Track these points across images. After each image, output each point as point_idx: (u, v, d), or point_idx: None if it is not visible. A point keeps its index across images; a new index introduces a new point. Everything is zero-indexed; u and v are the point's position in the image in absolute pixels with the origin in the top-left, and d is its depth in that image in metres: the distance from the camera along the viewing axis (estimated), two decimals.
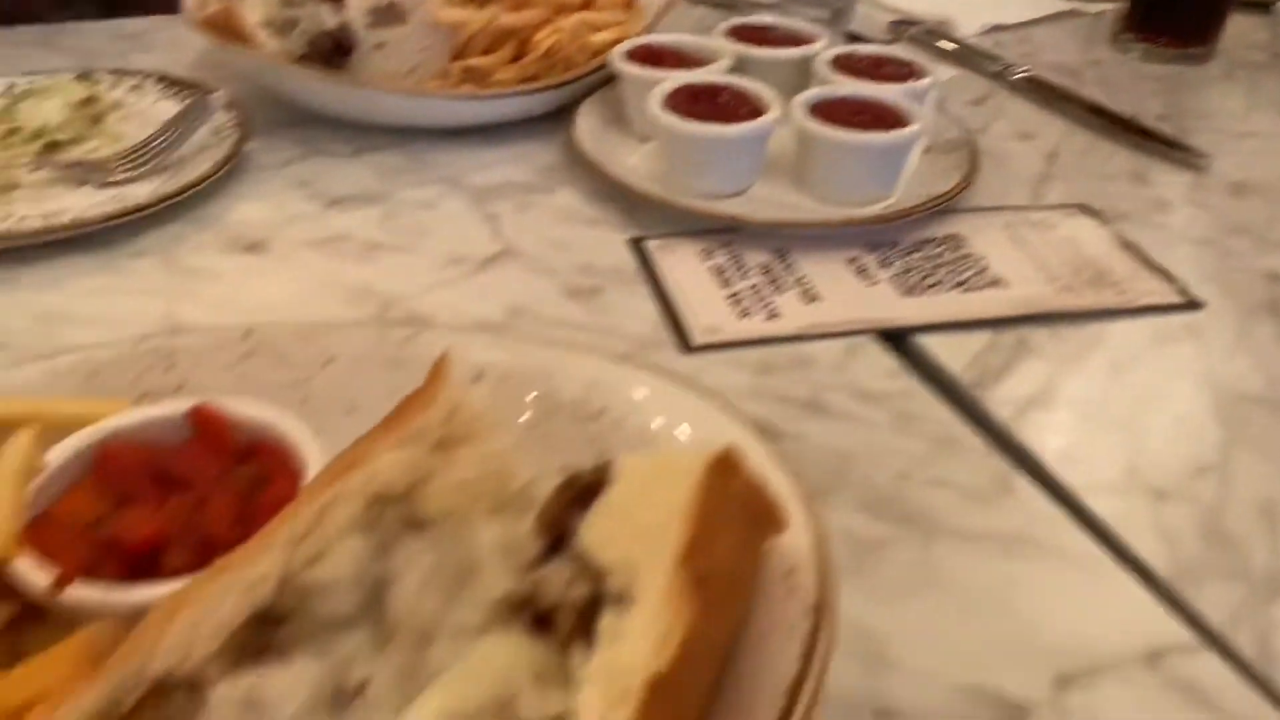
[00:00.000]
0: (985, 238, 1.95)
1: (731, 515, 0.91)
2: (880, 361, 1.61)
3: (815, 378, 1.56)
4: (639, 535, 0.89)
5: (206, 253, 1.81)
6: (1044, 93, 2.51)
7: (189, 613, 0.82)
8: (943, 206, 1.96)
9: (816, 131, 1.90)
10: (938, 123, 2.18)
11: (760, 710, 0.87)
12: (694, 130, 1.89)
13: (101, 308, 1.66)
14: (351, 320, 1.38)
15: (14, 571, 0.99)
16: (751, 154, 1.95)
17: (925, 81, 2.11)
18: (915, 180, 2.01)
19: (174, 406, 1.19)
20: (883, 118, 1.95)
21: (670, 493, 0.90)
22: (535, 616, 0.91)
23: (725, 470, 0.91)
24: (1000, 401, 1.54)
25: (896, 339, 1.67)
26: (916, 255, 1.88)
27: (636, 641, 0.82)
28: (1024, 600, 1.22)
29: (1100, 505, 1.36)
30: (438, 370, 1.08)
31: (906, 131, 1.92)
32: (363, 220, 1.93)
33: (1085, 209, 2.06)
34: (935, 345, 1.66)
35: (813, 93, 2.00)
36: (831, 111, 1.95)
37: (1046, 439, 1.48)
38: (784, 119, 1.95)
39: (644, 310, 1.70)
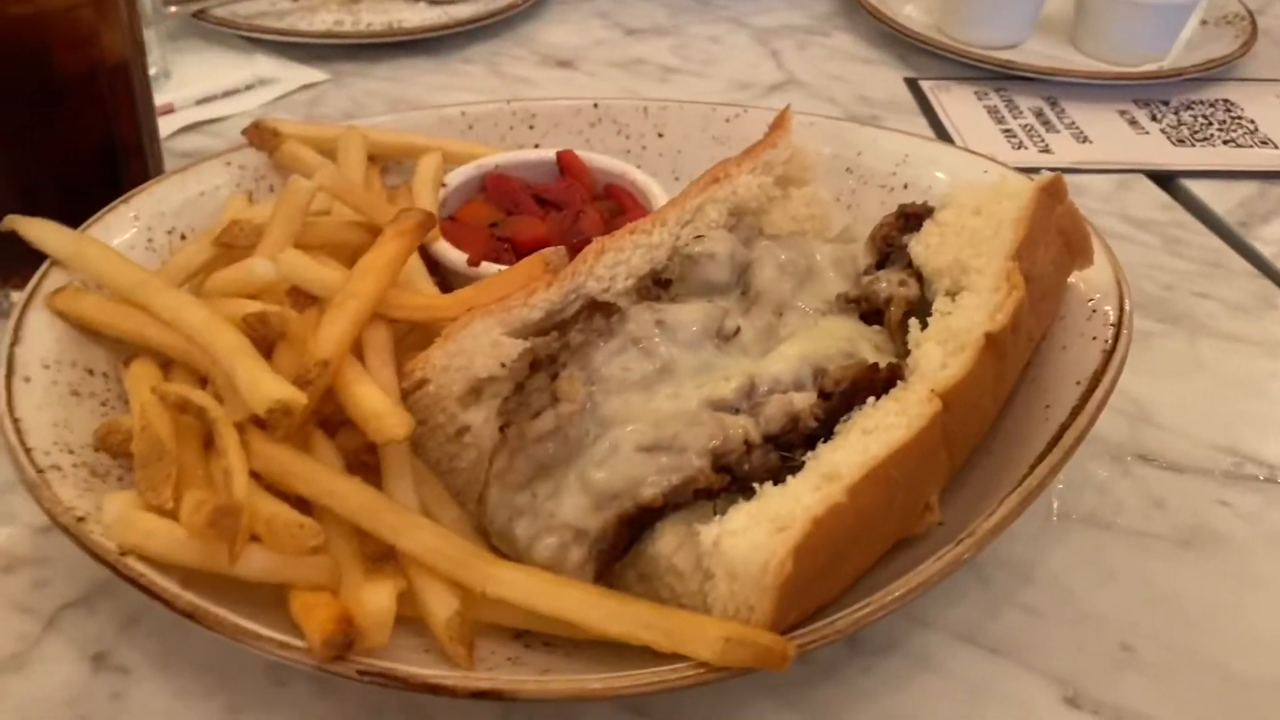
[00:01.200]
0: (1258, 104, 1.98)
1: (1052, 235, 1.06)
2: (1151, 195, 1.70)
3: (1087, 204, 1.65)
4: (970, 242, 1.05)
5: (525, 65, 2.04)
6: None
7: (610, 255, 1.04)
8: (1217, 72, 2.01)
9: None
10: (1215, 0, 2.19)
11: (1063, 393, 1.02)
12: None
13: (444, 100, 1.90)
14: (690, 94, 1.56)
15: (437, 251, 1.23)
16: (1027, 6, 2.03)
17: None
18: (1188, 49, 2.05)
19: (543, 152, 1.41)
20: None
21: (1001, 209, 1.06)
22: (868, 312, 1.09)
23: (1053, 192, 1.06)
24: (1266, 240, 1.61)
25: (1165, 181, 1.75)
26: (1187, 113, 1.93)
27: (971, 312, 0.98)
28: None
29: None
30: (781, 120, 1.26)
31: None
32: (657, 48, 2.12)
33: None
34: (1203, 189, 1.73)
35: None
36: None
37: None
38: None
39: None
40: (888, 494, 0.88)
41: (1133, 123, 1.90)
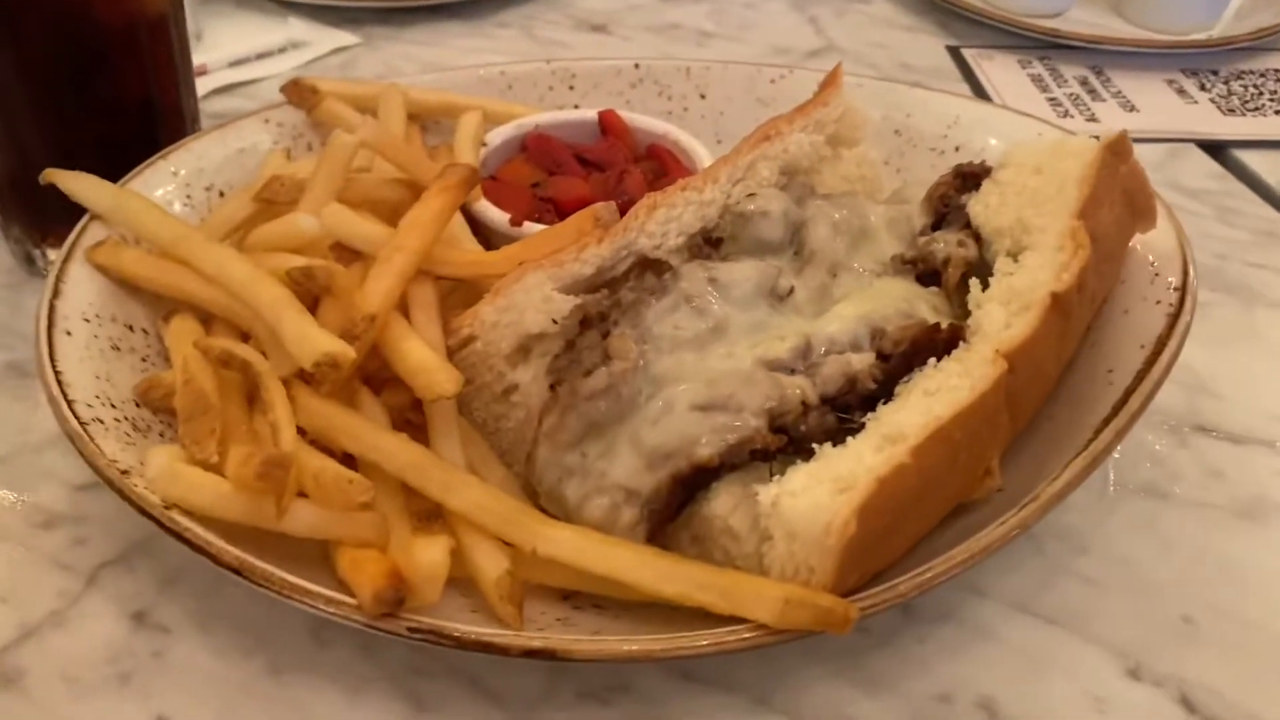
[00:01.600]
0: None
1: (1116, 194, 1.03)
2: (1202, 165, 1.66)
3: None
4: (1032, 201, 1.02)
5: (559, 29, 2.02)
6: None
7: (662, 212, 1.01)
8: (1268, 42, 1.96)
9: None
10: None
11: (1125, 357, 0.99)
12: None
13: (478, 64, 1.87)
14: (728, 58, 1.53)
15: (478, 211, 1.21)
16: None
17: None
18: (1237, 18, 2.01)
19: (584, 112, 1.39)
20: None
21: (1063, 167, 1.03)
22: (924, 274, 1.06)
23: (1118, 151, 1.03)
24: None
25: (1216, 151, 1.71)
26: (1237, 83, 1.89)
27: (1035, 272, 0.95)
28: None
29: None
30: (832, 78, 1.23)
31: None
32: (693, 13, 2.09)
33: None
34: (1255, 159, 1.69)
35: None
36: None
37: None
38: None
39: None
40: (951, 456, 0.85)
41: (1181, 92, 1.86)
